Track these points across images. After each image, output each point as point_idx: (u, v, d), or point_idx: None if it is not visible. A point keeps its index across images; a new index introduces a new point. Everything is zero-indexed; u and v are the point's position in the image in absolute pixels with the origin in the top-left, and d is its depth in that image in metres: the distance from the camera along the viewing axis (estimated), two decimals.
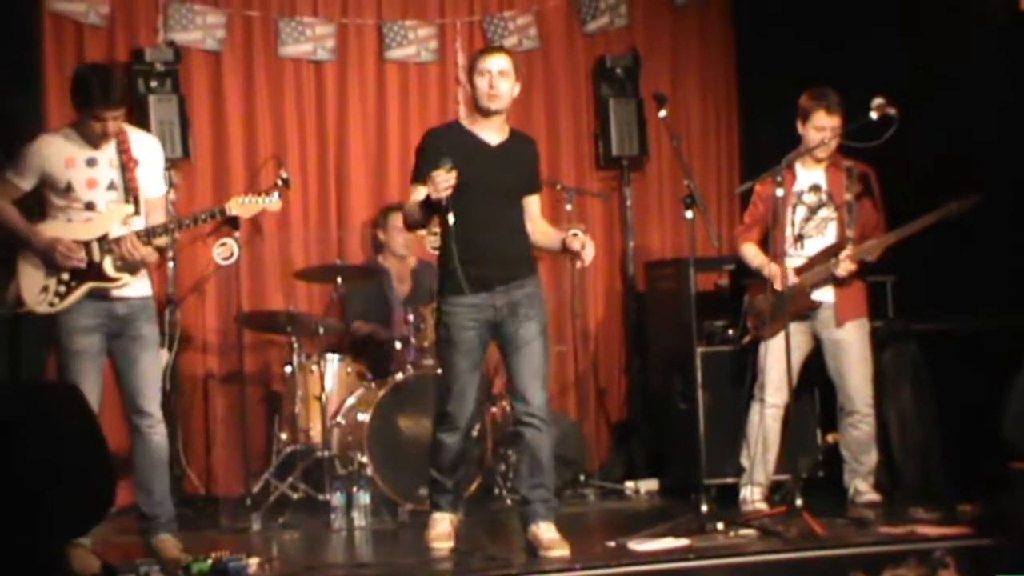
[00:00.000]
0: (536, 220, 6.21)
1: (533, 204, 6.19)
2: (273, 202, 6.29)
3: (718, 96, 9.51)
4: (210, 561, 5.60)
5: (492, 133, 6.05)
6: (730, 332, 7.54)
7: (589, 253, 5.94)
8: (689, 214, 6.31)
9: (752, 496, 7.00)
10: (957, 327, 7.31)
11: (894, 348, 7.47)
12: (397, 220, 8.20)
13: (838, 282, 6.96)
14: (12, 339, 7.46)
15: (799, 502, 6.37)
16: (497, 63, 5.98)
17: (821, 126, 6.96)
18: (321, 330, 7.62)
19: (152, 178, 6.10)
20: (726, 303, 7.67)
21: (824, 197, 7.04)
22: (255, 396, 8.32)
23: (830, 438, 7.25)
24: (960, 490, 6.72)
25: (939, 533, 5.99)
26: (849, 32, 8.05)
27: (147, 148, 6.12)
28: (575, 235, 6.02)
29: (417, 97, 8.88)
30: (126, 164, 5.96)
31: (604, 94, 9.05)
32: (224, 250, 7.49)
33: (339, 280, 7.80)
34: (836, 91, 6.98)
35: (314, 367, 7.58)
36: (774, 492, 7.07)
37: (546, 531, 5.89)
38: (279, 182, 7.07)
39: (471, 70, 6.07)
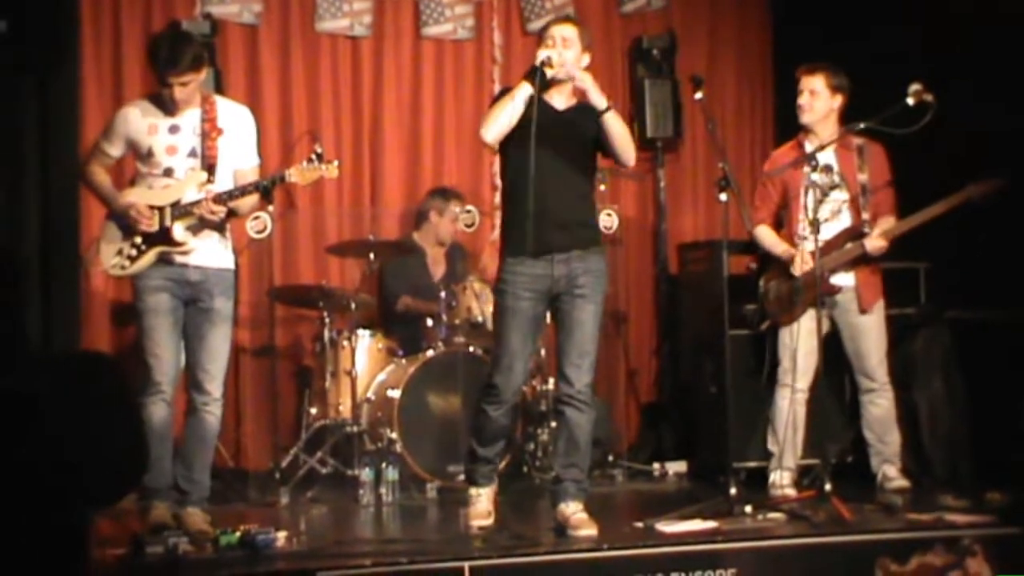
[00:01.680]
0: None
1: None
2: (331, 169, 6.27)
3: (754, 79, 9.50)
4: (238, 534, 5.61)
5: (559, 99, 6.01)
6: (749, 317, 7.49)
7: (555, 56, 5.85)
8: (723, 196, 6.28)
9: (781, 480, 6.98)
10: (990, 316, 7.26)
11: (926, 335, 7.44)
12: (455, 208, 8.19)
13: (864, 261, 6.92)
14: (44, 307, 7.51)
15: (828, 487, 6.34)
16: (561, 30, 5.96)
17: (800, 89, 6.97)
18: (353, 305, 7.64)
19: (241, 149, 6.13)
20: (757, 287, 7.64)
21: (836, 178, 6.97)
22: (286, 370, 8.36)
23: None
24: (989, 478, 6.70)
25: (967, 521, 5.97)
26: (885, 17, 8.00)
27: (235, 118, 6.16)
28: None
29: (453, 75, 8.89)
30: (208, 132, 6.00)
31: (640, 75, 9.04)
32: (257, 224, 7.52)
33: (371, 256, 7.80)
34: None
35: (345, 342, 7.60)
36: (803, 477, 7.06)
37: (575, 511, 5.89)
38: (313, 157, 7.08)
39: (540, 39, 6.04)
